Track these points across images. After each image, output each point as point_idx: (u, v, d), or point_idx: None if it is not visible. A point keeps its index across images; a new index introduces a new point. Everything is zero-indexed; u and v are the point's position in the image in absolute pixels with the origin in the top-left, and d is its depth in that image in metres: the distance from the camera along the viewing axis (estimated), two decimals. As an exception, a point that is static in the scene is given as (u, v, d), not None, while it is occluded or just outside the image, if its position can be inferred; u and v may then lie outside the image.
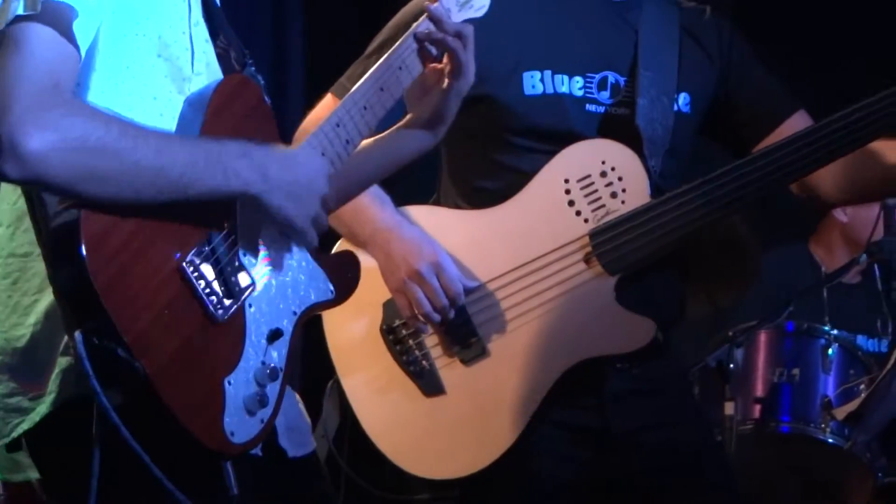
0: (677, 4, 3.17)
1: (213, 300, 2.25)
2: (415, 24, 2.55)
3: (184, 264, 2.21)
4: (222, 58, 2.47)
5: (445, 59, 2.57)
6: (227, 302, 2.26)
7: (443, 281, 2.91)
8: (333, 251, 2.56)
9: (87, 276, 2.10)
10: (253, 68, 2.51)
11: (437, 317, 2.88)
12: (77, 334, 2.10)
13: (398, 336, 2.93)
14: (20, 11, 2.16)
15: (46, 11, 2.16)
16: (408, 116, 2.65)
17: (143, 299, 2.16)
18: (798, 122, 3.08)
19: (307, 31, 4.73)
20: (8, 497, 3.19)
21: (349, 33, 3.14)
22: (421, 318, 2.89)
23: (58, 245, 2.16)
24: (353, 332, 2.97)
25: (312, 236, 2.37)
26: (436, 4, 2.58)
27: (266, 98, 2.46)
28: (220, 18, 2.48)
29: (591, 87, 3.06)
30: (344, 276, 2.51)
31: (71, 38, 2.19)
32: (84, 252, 2.11)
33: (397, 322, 2.93)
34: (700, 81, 3.14)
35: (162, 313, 2.18)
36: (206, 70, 2.41)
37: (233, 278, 2.29)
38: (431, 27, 2.55)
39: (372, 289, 2.83)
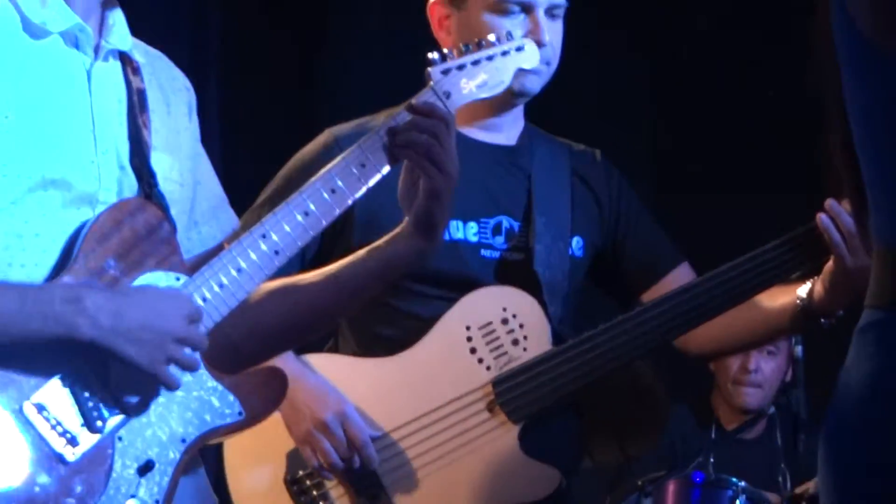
0: (568, 148, 3.29)
1: (61, 441, 2.26)
2: (389, 116, 2.52)
3: (25, 405, 2.24)
4: (141, 180, 2.49)
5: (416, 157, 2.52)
6: (84, 439, 2.27)
7: (349, 431, 2.98)
8: (257, 368, 2.59)
9: None
10: (159, 187, 2.50)
11: (342, 467, 2.94)
12: None
13: (302, 487, 2.98)
14: None
15: None
16: (403, 221, 2.57)
17: None
18: (682, 275, 3.23)
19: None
20: None
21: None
22: (327, 468, 2.95)
23: None
24: (255, 481, 3.01)
25: (166, 377, 2.34)
26: (423, 98, 2.53)
27: (170, 220, 2.47)
28: (144, 144, 2.51)
29: (485, 233, 3.16)
30: (262, 395, 2.48)
31: None
32: None
33: (301, 473, 2.98)
34: (591, 226, 3.26)
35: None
36: (117, 193, 2.43)
37: (94, 413, 2.30)
38: (408, 118, 2.50)
39: (276, 437, 2.92)
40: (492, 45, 2.63)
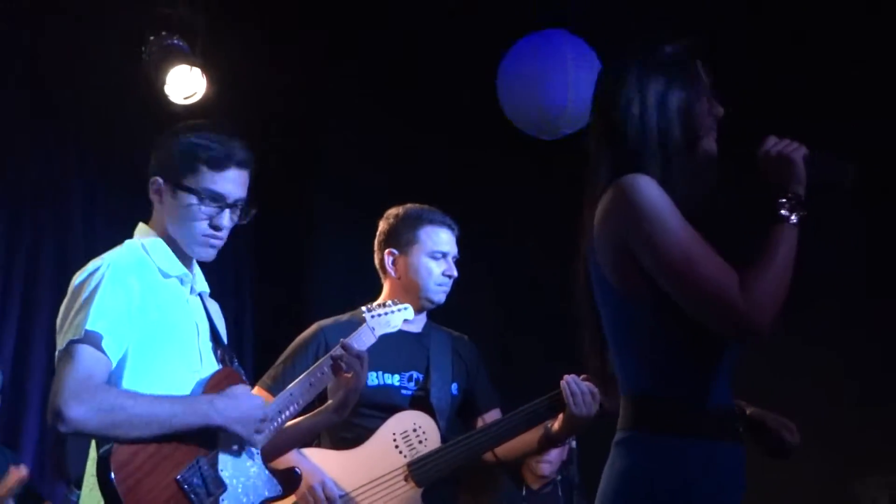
0: (450, 334, 4.29)
1: (195, 499, 2.90)
2: (335, 349, 3.51)
3: (178, 477, 2.90)
4: (221, 359, 3.21)
5: (350, 372, 3.49)
6: (207, 499, 2.92)
7: (326, 492, 3.95)
8: (282, 468, 3.30)
9: (115, 490, 2.81)
10: (236, 363, 3.25)
11: None
12: None
13: None
14: (71, 338, 2.88)
15: (86, 336, 2.86)
16: (328, 402, 3.53)
17: (150, 499, 2.83)
18: (492, 415, 4.17)
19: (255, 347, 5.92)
20: None
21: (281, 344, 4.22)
22: None
23: (100, 469, 2.85)
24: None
25: (253, 439, 3.05)
26: (350, 339, 3.50)
27: (245, 380, 3.23)
28: (220, 339, 3.27)
29: (403, 380, 4.09)
30: (289, 480, 3.30)
31: (102, 351, 2.86)
32: (113, 476, 2.81)
33: None
34: (461, 378, 4.18)
35: None
36: (209, 366, 3.13)
37: (212, 484, 2.96)
38: (341, 352, 3.49)
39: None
40: (391, 305, 3.67)
